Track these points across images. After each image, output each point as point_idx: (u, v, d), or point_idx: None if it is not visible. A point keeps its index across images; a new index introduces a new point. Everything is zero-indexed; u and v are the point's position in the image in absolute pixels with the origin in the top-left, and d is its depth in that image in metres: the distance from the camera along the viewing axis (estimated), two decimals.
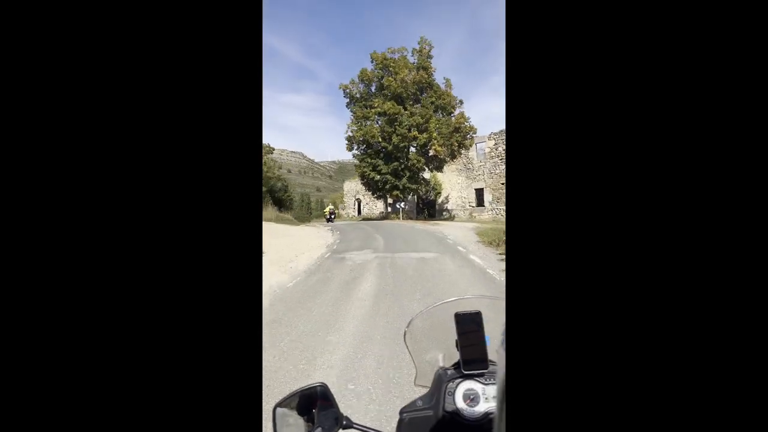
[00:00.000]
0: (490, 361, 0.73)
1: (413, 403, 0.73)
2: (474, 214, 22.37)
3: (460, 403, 0.70)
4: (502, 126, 18.45)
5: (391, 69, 20.70)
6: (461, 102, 21.44)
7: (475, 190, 23.12)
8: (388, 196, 22.30)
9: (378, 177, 21.11)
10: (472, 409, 0.69)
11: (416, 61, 21.17)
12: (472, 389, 0.71)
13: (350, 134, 21.85)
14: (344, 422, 0.69)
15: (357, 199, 29.52)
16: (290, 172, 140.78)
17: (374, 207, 27.60)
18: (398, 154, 20.38)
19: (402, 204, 22.15)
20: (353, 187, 29.00)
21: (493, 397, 0.67)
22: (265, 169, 23.66)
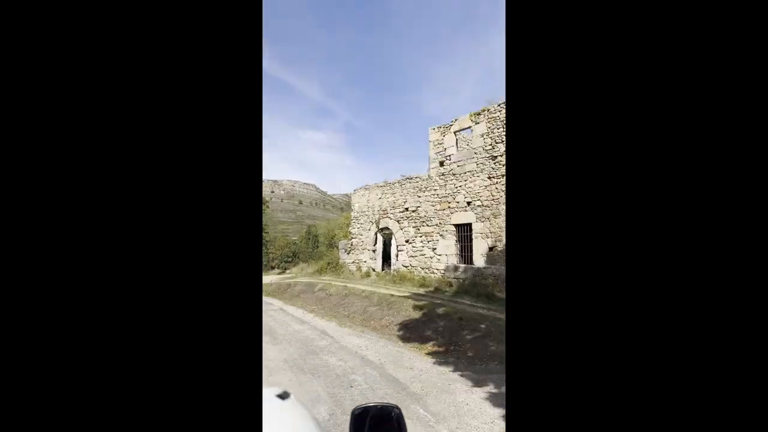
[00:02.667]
0: None
1: None
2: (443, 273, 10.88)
3: None
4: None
5: None
6: None
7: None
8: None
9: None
10: None
11: None
12: None
13: None
14: None
15: (383, 229, 13.59)
16: (301, 203, 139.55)
17: (428, 248, 11.40)
18: None
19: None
20: (375, 199, 13.93)
21: None
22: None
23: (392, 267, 13.46)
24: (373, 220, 14.66)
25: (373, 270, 14.33)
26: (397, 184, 13.68)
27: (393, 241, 13.70)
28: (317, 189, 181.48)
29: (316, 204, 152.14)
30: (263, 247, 20.94)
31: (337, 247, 21.83)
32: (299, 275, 18.02)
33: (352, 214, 16.07)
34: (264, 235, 21.22)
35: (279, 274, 21.79)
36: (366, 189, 15.33)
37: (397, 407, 0.76)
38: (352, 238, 15.65)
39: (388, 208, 14.01)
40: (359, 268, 14.81)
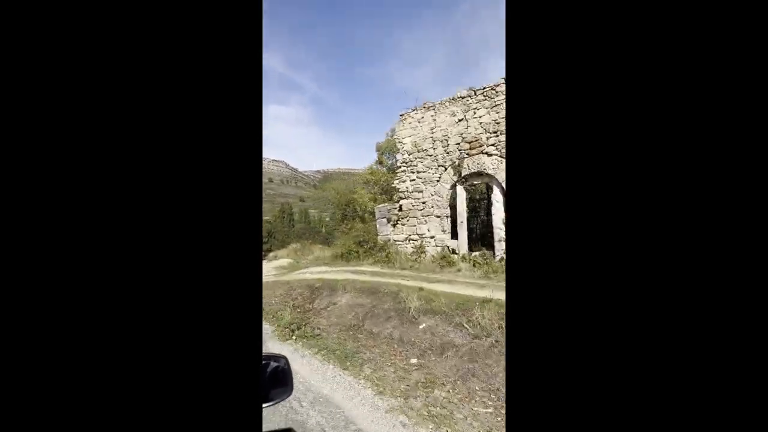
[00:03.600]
0: None
1: None
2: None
3: None
4: None
5: None
6: None
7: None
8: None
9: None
10: None
11: None
12: None
13: None
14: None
15: (471, 177, 7.48)
16: (272, 181, 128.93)
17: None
18: None
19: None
20: (447, 123, 7.72)
21: None
22: None
23: (496, 251, 6.98)
24: (447, 163, 7.96)
25: (453, 252, 7.76)
26: (493, 91, 7.01)
27: (493, 200, 7.17)
28: (287, 166, 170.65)
29: (287, 181, 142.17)
30: None
31: (363, 219, 13.90)
32: (299, 264, 11.02)
33: (398, 157, 9.15)
34: None
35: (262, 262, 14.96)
36: (426, 109, 8.43)
37: (284, 356, 0.87)
38: (402, 198, 8.84)
39: (483, 135, 7.35)
40: (421, 250, 8.19)
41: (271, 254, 19.41)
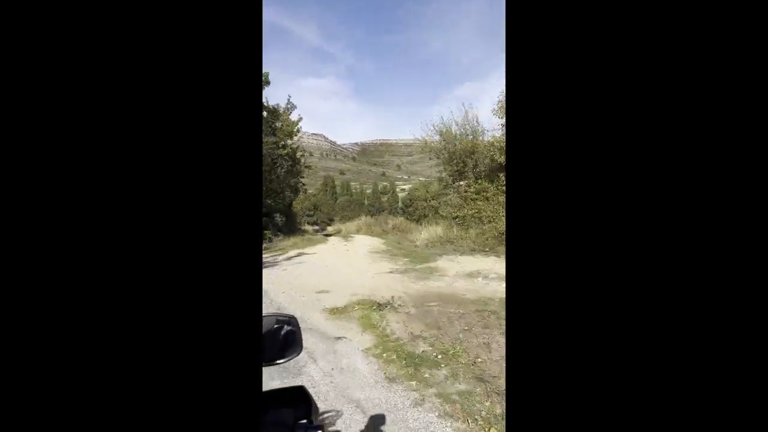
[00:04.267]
0: None
1: None
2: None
3: None
4: None
5: None
6: None
7: None
8: None
9: None
10: None
11: None
12: None
13: None
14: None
15: None
16: (312, 155, 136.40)
17: None
18: None
19: None
20: None
21: None
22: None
23: None
24: None
25: None
26: None
27: None
28: (326, 139, 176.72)
29: (327, 155, 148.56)
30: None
31: (491, 179, 9.70)
32: (411, 248, 9.40)
33: None
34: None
35: (319, 239, 14.32)
36: None
37: (294, 317, 0.89)
38: None
39: None
40: None
41: (331, 228, 18.97)
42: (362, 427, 1.92)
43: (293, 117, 15.23)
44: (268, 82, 13.72)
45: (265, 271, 6.50)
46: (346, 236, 14.68)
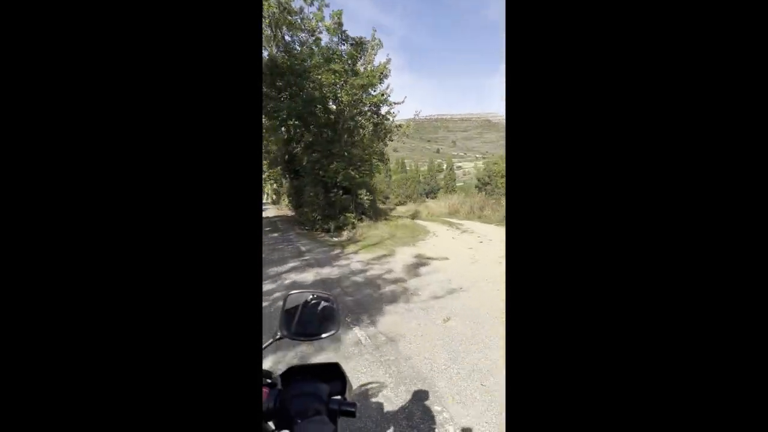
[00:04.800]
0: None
1: None
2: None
3: None
4: None
5: None
6: None
7: None
8: None
9: None
10: None
11: None
12: None
13: None
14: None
15: None
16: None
17: None
18: None
19: None
20: None
21: None
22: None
23: None
24: None
25: None
26: None
27: None
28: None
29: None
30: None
31: None
32: None
33: None
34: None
35: (420, 228, 9.91)
36: None
37: (332, 296, 0.87)
38: None
39: None
40: None
41: (403, 208, 14.13)
42: None
43: (380, 59, 10.86)
44: (341, 24, 9.75)
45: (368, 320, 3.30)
46: (450, 223, 10.51)
